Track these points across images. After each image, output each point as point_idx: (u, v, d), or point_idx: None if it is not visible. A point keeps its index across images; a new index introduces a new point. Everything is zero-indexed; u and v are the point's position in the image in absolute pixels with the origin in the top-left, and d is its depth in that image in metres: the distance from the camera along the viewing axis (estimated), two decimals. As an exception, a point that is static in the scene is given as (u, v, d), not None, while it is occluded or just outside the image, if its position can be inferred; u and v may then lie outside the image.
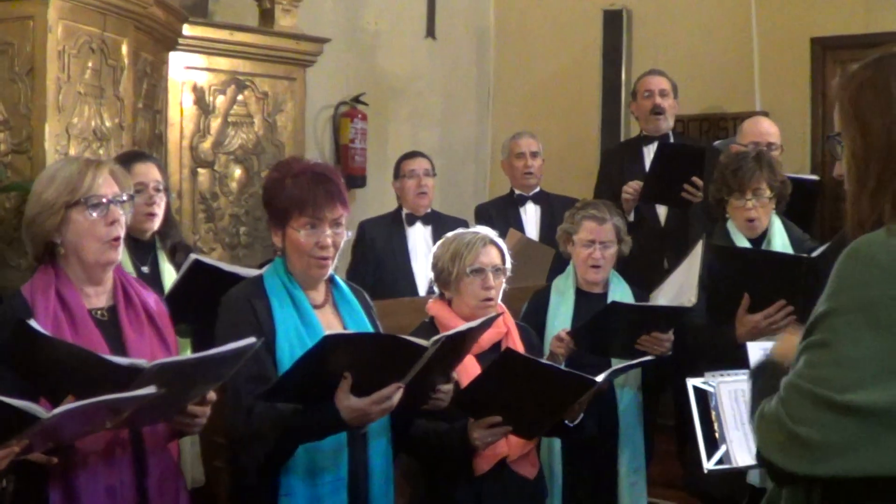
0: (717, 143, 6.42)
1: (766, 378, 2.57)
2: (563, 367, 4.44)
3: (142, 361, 3.01)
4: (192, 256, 4.44)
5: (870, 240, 2.32)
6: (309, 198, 3.58)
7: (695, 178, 5.97)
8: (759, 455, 2.42)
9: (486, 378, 3.97)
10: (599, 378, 4.11)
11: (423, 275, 6.32)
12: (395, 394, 3.42)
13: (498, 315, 4.10)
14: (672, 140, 6.76)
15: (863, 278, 2.25)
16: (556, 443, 4.80)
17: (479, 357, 4.19)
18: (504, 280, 4.35)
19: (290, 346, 3.54)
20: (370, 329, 3.80)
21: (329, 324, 3.70)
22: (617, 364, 4.58)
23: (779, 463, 2.32)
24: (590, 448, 4.84)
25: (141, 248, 4.78)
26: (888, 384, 2.18)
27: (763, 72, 8.16)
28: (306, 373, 3.35)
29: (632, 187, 6.26)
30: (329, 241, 3.62)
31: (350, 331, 3.60)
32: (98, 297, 3.42)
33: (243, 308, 3.60)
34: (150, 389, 2.94)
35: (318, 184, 3.62)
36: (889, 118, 2.35)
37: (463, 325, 3.76)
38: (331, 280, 3.82)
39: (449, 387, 3.74)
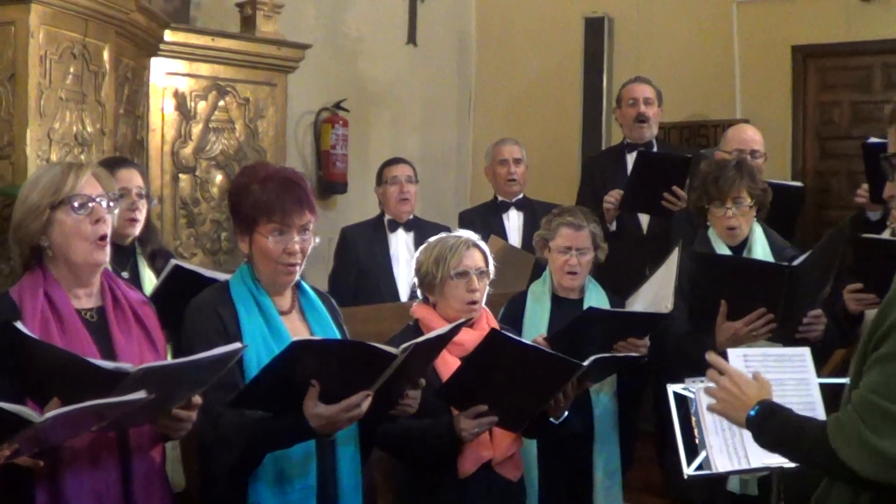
0: (703, 151, 6.43)
1: (778, 417, 2.70)
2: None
3: (127, 365, 3.01)
4: (173, 262, 4.44)
5: None
6: (277, 204, 3.56)
7: (675, 188, 5.99)
8: (835, 459, 2.51)
9: (470, 363, 3.98)
10: (585, 363, 4.12)
11: (405, 281, 6.32)
12: (363, 402, 3.39)
13: (467, 320, 4.09)
14: (655, 148, 6.78)
15: None
16: (532, 446, 4.80)
17: (464, 360, 4.20)
18: (487, 283, 4.36)
19: (258, 354, 3.52)
20: (337, 335, 3.79)
21: (296, 330, 3.68)
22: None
23: (857, 469, 2.44)
24: (565, 452, 4.85)
25: (121, 253, 4.77)
26: None
27: (744, 79, 8.19)
28: (274, 379, 3.34)
29: (613, 197, 6.27)
30: (297, 247, 3.60)
31: (318, 337, 3.58)
32: (86, 299, 3.41)
33: (209, 316, 3.58)
34: (140, 395, 2.94)
35: (287, 189, 3.60)
36: None
37: (431, 332, 3.73)
38: (297, 286, 3.79)
39: (417, 393, 3.72)
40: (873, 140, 6.14)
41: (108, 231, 3.39)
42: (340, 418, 3.39)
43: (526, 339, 4.84)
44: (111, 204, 3.41)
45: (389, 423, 3.89)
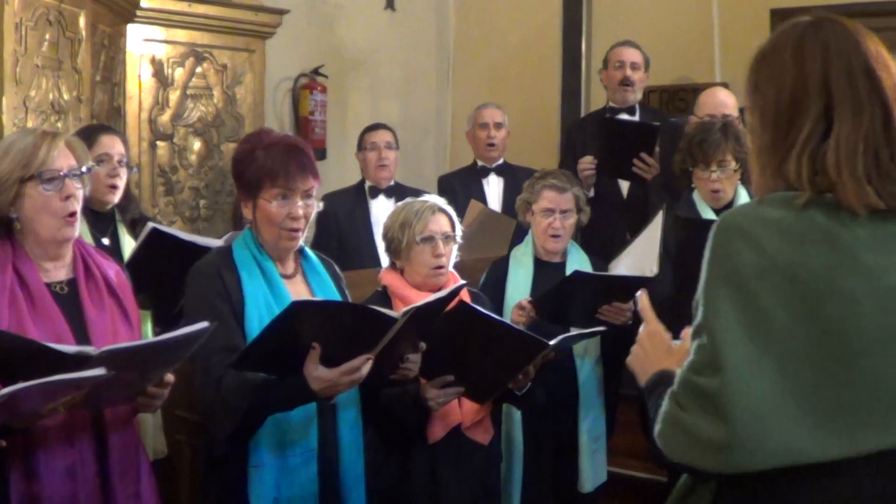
0: (672, 120, 6.42)
1: (659, 390, 2.46)
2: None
3: (89, 348, 2.99)
4: (150, 225, 4.42)
5: (735, 211, 2.31)
6: (281, 169, 3.59)
7: (644, 155, 5.98)
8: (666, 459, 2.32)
9: (438, 334, 3.99)
10: (552, 342, 4.14)
11: (386, 247, 6.32)
12: (363, 365, 3.42)
13: (464, 284, 4.10)
14: (638, 112, 6.78)
15: (729, 250, 2.21)
16: (517, 411, 4.82)
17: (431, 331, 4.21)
18: (455, 247, 4.36)
19: (260, 317, 3.54)
20: (338, 297, 3.82)
21: (299, 294, 3.71)
22: (571, 332, 4.61)
23: (664, 451, 2.27)
24: (550, 417, 4.87)
25: (101, 220, 4.76)
26: (724, 367, 2.15)
27: (723, 43, 8.16)
28: (274, 341, 3.35)
29: (586, 162, 6.27)
30: (301, 212, 3.63)
31: (318, 298, 3.60)
32: (57, 271, 3.39)
33: (212, 280, 3.60)
34: (99, 371, 2.92)
35: (291, 155, 3.64)
36: (778, 87, 2.30)
37: (432, 296, 3.76)
38: (300, 251, 3.82)
39: (417, 356, 3.75)
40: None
41: (78, 207, 3.36)
42: (341, 381, 3.42)
43: (510, 304, 4.86)
44: (83, 178, 3.38)
45: (390, 386, 3.91)
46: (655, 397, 2.45)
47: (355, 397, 3.73)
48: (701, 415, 2.17)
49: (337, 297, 3.83)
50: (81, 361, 2.95)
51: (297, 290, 3.72)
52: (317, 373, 3.38)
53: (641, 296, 2.82)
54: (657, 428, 2.30)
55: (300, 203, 3.63)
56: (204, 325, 3.21)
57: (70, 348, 3.01)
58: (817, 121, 2.23)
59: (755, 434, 2.13)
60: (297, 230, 3.66)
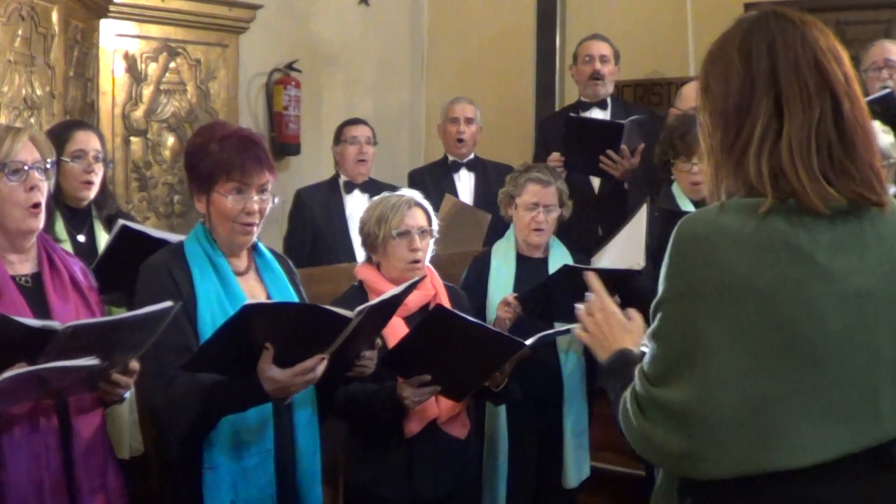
0: (635, 118, 6.39)
1: (621, 371, 2.51)
2: (498, 329, 4.47)
3: (55, 323, 2.99)
4: (120, 222, 4.37)
5: (695, 218, 2.28)
6: (237, 162, 3.52)
7: (609, 151, 5.98)
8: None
9: (415, 336, 3.99)
10: (528, 342, 4.15)
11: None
12: (318, 365, 3.38)
13: (420, 279, 4.07)
14: (610, 107, 6.77)
15: (686, 264, 2.21)
16: (501, 406, 4.83)
17: (408, 320, 4.20)
18: (431, 242, 4.36)
19: (212, 315, 3.49)
20: (293, 296, 3.77)
21: (252, 291, 3.66)
22: (546, 329, 4.62)
23: (633, 446, 2.30)
24: (534, 412, 4.88)
25: (77, 216, 4.73)
26: (685, 379, 2.17)
27: (697, 37, 8.18)
28: (227, 342, 3.31)
29: (554, 160, 6.26)
30: (256, 206, 3.56)
31: (271, 300, 3.55)
32: (22, 264, 3.37)
33: (162, 277, 3.53)
34: (92, 360, 2.92)
35: (246, 148, 3.56)
36: (727, 85, 2.30)
37: (385, 293, 3.71)
38: (254, 247, 3.76)
39: (373, 353, 3.72)
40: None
41: (42, 199, 3.34)
42: (295, 382, 3.37)
43: (493, 299, 4.87)
44: (48, 170, 3.37)
45: (346, 384, 3.89)
46: (617, 379, 2.49)
47: (311, 397, 3.69)
48: (663, 426, 2.20)
49: (292, 294, 3.78)
50: (47, 336, 2.94)
51: (250, 288, 3.67)
52: (270, 373, 3.33)
53: (590, 276, 2.84)
54: (622, 423, 2.33)
55: (255, 198, 3.56)
56: (168, 304, 3.19)
57: (36, 322, 3.00)
58: (769, 118, 2.22)
59: (718, 445, 2.15)
60: (251, 225, 3.59)
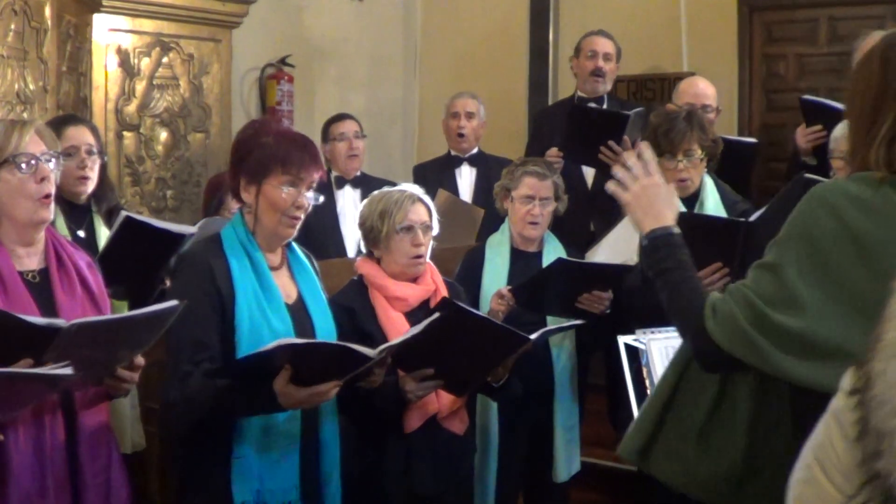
0: (636, 110, 6.41)
1: (665, 252, 2.80)
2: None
3: (60, 321, 2.99)
4: (123, 213, 4.36)
5: (825, 184, 2.67)
6: (295, 157, 3.60)
7: (611, 143, 5.98)
8: (701, 329, 2.61)
9: (426, 331, 3.99)
10: (533, 336, 4.15)
11: (352, 238, 6.30)
12: (332, 391, 3.46)
13: (437, 317, 4.08)
14: (606, 103, 6.77)
15: (813, 215, 2.53)
16: (493, 401, 4.83)
17: (408, 315, 4.21)
18: (432, 237, 4.36)
19: (249, 310, 3.56)
20: (321, 295, 3.87)
21: (285, 287, 3.74)
22: (551, 324, 4.63)
23: (719, 341, 2.57)
24: (525, 407, 4.88)
25: (76, 211, 4.71)
26: (813, 313, 2.48)
27: (690, 33, 8.19)
28: (253, 368, 3.39)
29: (552, 155, 6.25)
30: (305, 202, 3.65)
31: (301, 340, 3.53)
32: (29, 259, 3.38)
33: (201, 268, 3.59)
34: (66, 370, 2.92)
35: (303, 146, 3.66)
36: (866, 89, 2.62)
37: (408, 333, 3.76)
38: (287, 243, 3.83)
39: (382, 370, 3.73)
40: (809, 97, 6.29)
41: (53, 189, 3.36)
42: (308, 401, 3.46)
43: (487, 293, 4.87)
44: (55, 162, 3.38)
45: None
46: (660, 259, 2.80)
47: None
48: (780, 347, 2.51)
49: (320, 291, 3.87)
50: (51, 334, 2.95)
51: (283, 284, 3.73)
52: (287, 390, 3.40)
53: (643, 146, 3.08)
54: (710, 323, 2.61)
55: (306, 194, 3.65)
56: (173, 303, 3.22)
57: (41, 320, 3.01)
58: (893, 122, 2.55)
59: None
60: (298, 219, 3.68)
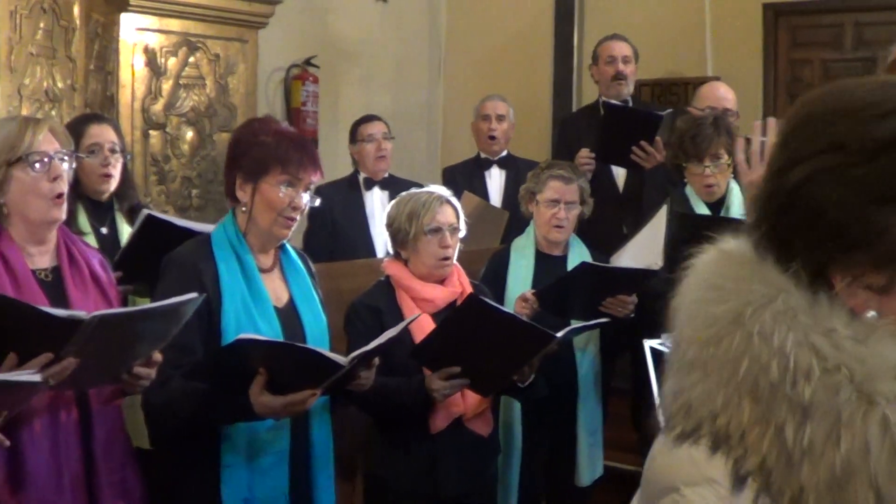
0: (669, 111, 6.41)
1: None
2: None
3: (81, 313, 3.00)
4: (145, 212, 4.37)
5: None
6: (293, 156, 3.56)
7: (643, 143, 5.98)
8: None
9: (446, 326, 3.99)
10: (559, 334, 4.15)
11: (380, 239, 6.29)
12: (309, 399, 3.41)
13: (412, 319, 4.05)
14: (631, 105, 6.77)
15: None
16: (516, 403, 4.83)
17: (435, 316, 4.21)
18: (459, 239, 4.36)
19: (236, 314, 3.52)
20: (315, 297, 3.82)
21: (275, 289, 3.69)
22: (576, 323, 4.62)
23: None
24: (549, 410, 4.88)
25: (99, 209, 4.73)
26: None
27: (715, 38, 8.18)
28: (220, 366, 3.37)
29: (583, 156, 6.25)
30: (302, 203, 3.61)
31: (264, 337, 3.48)
32: (41, 257, 3.39)
33: (187, 271, 3.55)
34: (34, 377, 2.92)
35: (302, 146, 3.63)
36: None
37: (381, 337, 3.70)
38: (280, 245, 3.79)
39: (369, 372, 3.69)
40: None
41: (66, 189, 3.36)
42: (284, 411, 3.41)
43: (511, 296, 4.87)
44: (69, 161, 3.38)
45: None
46: None
47: (326, 401, 3.72)
48: None
49: (313, 293, 3.82)
50: (73, 326, 2.96)
51: (274, 287, 3.70)
52: (262, 398, 3.36)
53: (771, 122, 3.22)
54: None
55: (303, 194, 3.62)
56: (192, 295, 3.22)
57: (62, 312, 3.01)
58: None
59: None
60: (293, 220, 3.64)
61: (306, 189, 3.63)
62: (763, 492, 1.40)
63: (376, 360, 3.69)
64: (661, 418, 3.34)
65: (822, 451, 1.37)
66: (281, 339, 3.55)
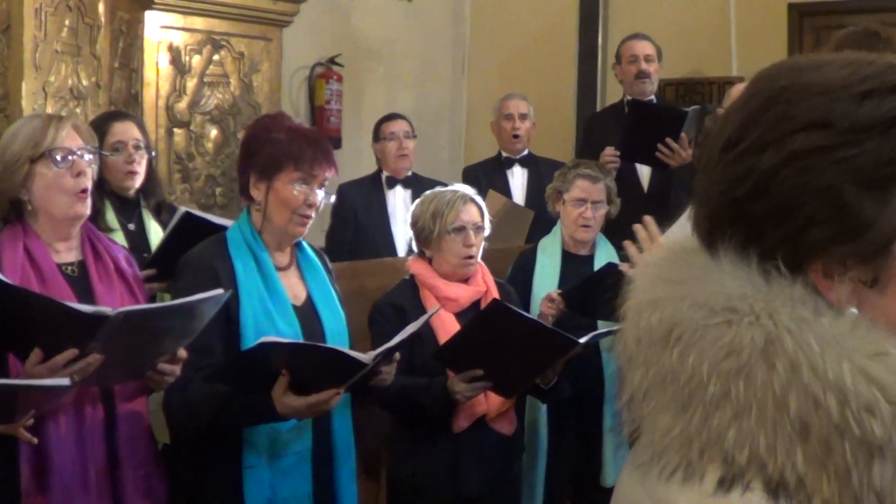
0: (695, 107, 6.38)
1: None
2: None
3: (107, 309, 3.00)
4: (183, 209, 4.34)
5: None
6: (307, 153, 3.54)
7: (668, 140, 5.94)
8: None
9: (470, 330, 3.98)
10: (582, 340, 4.13)
11: (402, 238, 6.30)
12: (332, 399, 3.39)
13: (436, 310, 4.07)
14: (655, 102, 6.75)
15: None
16: (542, 404, 4.81)
17: (459, 315, 4.20)
18: (483, 238, 4.35)
19: (254, 313, 3.50)
20: (333, 295, 3.79)
21: (292, 287, 3.67)
22: (602, 326, 4.60)
23: None
24: (575, 410, 4.86)
25: (126, 206, 4.72)
26: None
27: (740, 37, 8.14)
28: (243, 369, 3.36)
29: (608, 154, 6.23)
30: (317, 200, 3.58)
31: (287, 339, 3.48)
32: (67, 253, 3.40)
33: (204, 271, 3.52)
34: (63, 381, 2.92)
35: (315, 142, 3.60)
36: None
37: (402, 332, 3.69)
38: (296, 243, 3.77)
39: (391, 367, 3.68)
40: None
41: (89, 184, 3.36)
42: (308, 411, 3.40)
43: (537, 295, 4.84)
44: (92, 157, 3.38)
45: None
46: None
47: (347, 399, 3.70)
48: None
49: (331, 291, 3.79)
50: (99, 322, 2.96)
51: (291, 284, 3.68)
52: (285, 399, 3.35)
53: (647, 220, 3.29)
54: None
55: (318, 192, 3.59)
56: (217, 291, 3.21)
57: (88, 308, 3.02)
58: None
59: None
60: (309, 217, 3.61)
61: (321, 186, 3.60)
62: None
63: (397, 356, 3.68)
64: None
65: (892, 490, 1.21)
66: (301, 339, 3.54)
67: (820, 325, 1.24)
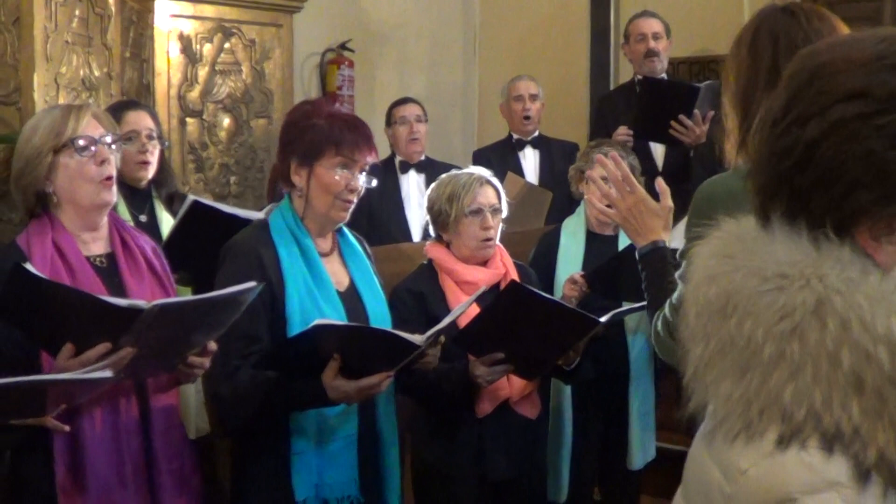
0: (708, 82, 6.34)
1: (655, 265, 2.99)
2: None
3: (141, 302, 2.98)
4: (191, 198, 4.32)
5: (712, 180, 2.79)
6: (348, 138, 3.55)
7: (681, 116, 5.91)
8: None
9: (489, 313, 3.96)
10: (603, 319, 4.10)
11: (417, 222, 6.29)
12: (383, 382, 3.41)
13: (483, 290, 4.06)
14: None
15: (704, 213, 2.54)
16: (567, 386, 4.79)
17: (479, 299, 4.18)
18: (501, 219, 4.32)
19: (300, 300, 3.50)
20: (374, 280, 3.80)
21: (336, 273, 3.67)
22: (621, 307, 4.57)
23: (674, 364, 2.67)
24: (600, 391, 4.84)
25: (137, 196, 4.71)
26: None
27: (753, 14, 8.07)
28: (294, 354, 3.35)
29: (621, 133, 6.20)
30: (359, 185, 3.60)
31: (341, 322, 3.50)
32: (95, 244, 3.38)
33: (249, 258, 3.53)
34: (106, 373, 2.91)
35: (355, 127, 3.61)
36: (737, 77, 2.73)
37: (451, 314, 3.74)
38: (338, 228, 3.77)
39: (436, 349, 3.70)
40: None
41: (114, 171, 3.35)
42: (358, 395, 3.41)
43: (561, 276, 4.81)
44: (114, 144, 3.36)
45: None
46: (650, 270, 3.02)
47: (391, 385, 3.68)
48: None
49: (373, 277, 3.81)
50: (133, 315, 2.94)
51: (334, 270, 3.68)
52: (335, 383, 3.36)
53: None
54: (653, 337, 2.87)
55: (359, 176, 3.60)
56: (251, 284, 3.20)
57: (122, 301, 3.00)
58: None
59: None
60: (351, 202, 3.62)
61: (362, 170, 3.62)
62: (891, 485, 1.32)
63: (443, 338, 3.68)
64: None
65: None
66: (354, 324, 3.55)
67: (868, 283, 1.32)
